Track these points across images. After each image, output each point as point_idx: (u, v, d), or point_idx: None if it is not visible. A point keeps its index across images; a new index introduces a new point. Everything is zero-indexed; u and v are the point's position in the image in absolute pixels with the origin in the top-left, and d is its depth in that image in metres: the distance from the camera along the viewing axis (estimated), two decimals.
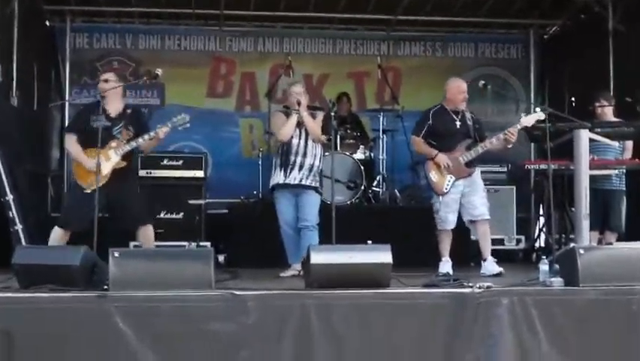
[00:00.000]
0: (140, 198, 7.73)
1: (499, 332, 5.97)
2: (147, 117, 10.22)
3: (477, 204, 8.04)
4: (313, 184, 8.01)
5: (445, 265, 8.00)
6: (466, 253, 8.75)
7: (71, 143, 7.59)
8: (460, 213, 8.09)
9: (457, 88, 8.24)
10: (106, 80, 7.50)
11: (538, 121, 7.85)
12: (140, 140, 7.38)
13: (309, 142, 8.04)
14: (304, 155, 8.00)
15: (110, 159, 7.26)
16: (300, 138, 8.03)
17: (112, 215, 7.54)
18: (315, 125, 8.02)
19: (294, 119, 7.96)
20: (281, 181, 8.00)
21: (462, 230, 8.29)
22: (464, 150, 8.03)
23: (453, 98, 8.19)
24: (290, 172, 7.96)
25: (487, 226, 8.13)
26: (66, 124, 10.57)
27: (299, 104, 7.94)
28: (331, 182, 7.57)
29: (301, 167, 7.98)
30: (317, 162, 8.06)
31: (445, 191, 8.01)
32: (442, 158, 8.01)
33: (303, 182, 7.96)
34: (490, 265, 7.96)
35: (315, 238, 7.78)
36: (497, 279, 7.08)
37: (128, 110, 7.61)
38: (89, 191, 7.28)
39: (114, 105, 7.40)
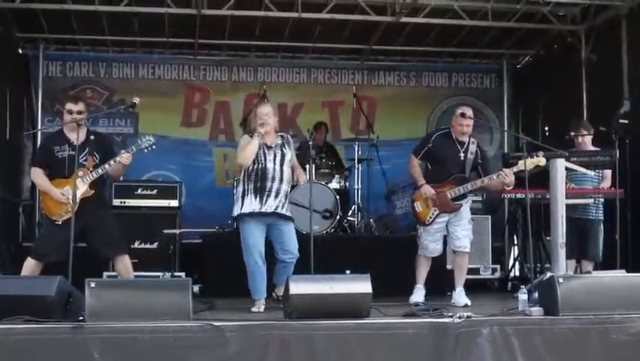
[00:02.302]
0: (115, 226, 7.62)
1: None
2: (121, 146, 10.18)
3: (459, 235, 8.00)
4: (289, 214, 7.64)
5: (418, 293, 7.98)
6: (442, 282, 8.71)
7: (37, 175, 7.46)
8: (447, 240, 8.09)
9: (456, 119, 8.01)
10: (79, 112, 7.39)
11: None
12: (107, 166, 7.28)
13: (285, 167, 7.63)
14: (280, 180, 7.56)
15: (78, 188, 7.15)
16: (274, 163, 7.60)
17: (88, 244, 7.42)
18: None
19: (256, 141, 7.52)
20: (256, 209, 7.48)
21: (438, 259, 8.26)
22: (454, 185, 7.94)
23: (454, 128, 8.02)
24: (266, 200, 7.49)
25: (465, 258, 8.09)
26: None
27: (261, 125, 7.52)
28: (309, 212, 7.51)
29: (277, 194, 7.52)
30: (289, 189, 7.70)
31: (427, 223, 7.97)
32: (426, 190, 7.94)
33: (279, 210, 7.53)
34: (459, 296, 7.93)
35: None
36: (476, 308, 7.05)
37: (92, 137, 7.48)
38: (60, 222, 7.21)
39: (77, 133, 7.21)
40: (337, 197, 10.16)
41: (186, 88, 12.58)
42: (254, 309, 7.46)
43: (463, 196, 8.01)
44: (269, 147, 7.65)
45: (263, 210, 7.51)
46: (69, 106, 7.44)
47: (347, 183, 10.96)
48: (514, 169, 7.81)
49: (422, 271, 8.07)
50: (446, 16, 10.80)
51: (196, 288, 8.69)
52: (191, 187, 11.70)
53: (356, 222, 10.69)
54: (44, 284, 6.00)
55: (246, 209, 7.56)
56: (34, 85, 12.00)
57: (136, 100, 7.59)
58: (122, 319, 5.74)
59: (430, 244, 7.98)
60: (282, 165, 7.65)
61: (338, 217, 10.14)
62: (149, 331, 5.65)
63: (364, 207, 10.88)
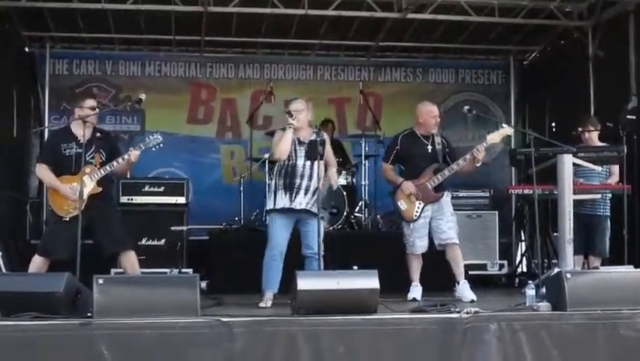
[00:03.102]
0: (119, 222, 7.64)
1: (487, 357, 5.96)
2: (127, 143, 10.19)
3: (444, 228, 8.01)
4: (315, 210, 7.52)
5: (414, 290, 8.01)
6: (447, 277, 8.69)
7: (43, 171, 7.44)
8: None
9: (429, 112, 8.20)
10: (92, 108, 7.40)
11: (506, 137, 7.82)
12: (115, 163, 7.29)
13: (315, 163, 7.55)
14: (310, 178, 7.55)
15: (86, 185, 7.16)
16: (305, 159, 7.63)
17: (94, 240, 7.42)
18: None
19: (289, 133, 7.52)
20: (287, 205, 7.53)
21: (442, 254, 8.24)
22: (432, 175, 8.01)
23: (425, 123, 8.17)
24: (295, 196, 7.52)
25: (456, 249, 8.08)
26: None
27: (290, 115, 7.53)
28: (317, 208, 7.51)
29: (307, 191, 7.54)
30: (319, 186, 7.57)
31: (415, 218, 8.01)
32: (407, 185, 8.02)
33: (309, 208, 7.54)
34: (464, 290, 7.92)
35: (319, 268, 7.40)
36: (484, 304, 7.01)
37: (98, 134, 7.49)
38: (67, 219, 7.21)
39: (84, 130, 7.19)
40: (344, 193, 10.16)
41: (193, 85, 12.57)
42: (261, 304, 7.46)
43: (443, 187, 8.05)
44: (301, 143, 7.66)
45: (292, 206, 7.57)
46: (90, 102, 7.46)
47: (354, 180, 10.96)
48: (485, 144, 7.90)
49: (415, 269, 8.12)
50: (453, 12, 10.77)
51: (203, 284, 8.71)
52: (198, 184, 11.68)
53: (363, 219, 10.69)
54: (52, 281, 6.02)
55: (277, 205, 7.63)
56: (40, 83, 11.99)
57: (142, 96, 7.62)
58: (130, 315, 5.75)
59: (417, 240, 8.02)
60: (312, 161, 7.63)
61: (345, 214, 10.14)
62: (157, 327, 5.67)
63: (371, 204, 10.87)
